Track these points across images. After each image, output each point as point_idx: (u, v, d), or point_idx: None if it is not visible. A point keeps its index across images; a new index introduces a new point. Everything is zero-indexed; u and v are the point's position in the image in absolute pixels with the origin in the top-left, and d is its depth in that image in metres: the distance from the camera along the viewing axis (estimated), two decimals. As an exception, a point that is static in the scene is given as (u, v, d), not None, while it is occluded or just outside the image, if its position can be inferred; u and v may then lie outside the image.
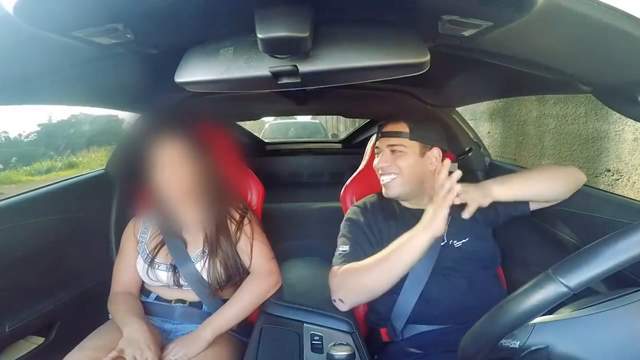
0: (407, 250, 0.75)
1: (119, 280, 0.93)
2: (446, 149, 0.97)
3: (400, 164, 0.90)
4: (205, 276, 0.90)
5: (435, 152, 0.93)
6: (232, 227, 0.95)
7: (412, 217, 0.93)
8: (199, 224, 0.93)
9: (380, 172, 0.94)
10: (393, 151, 0.92)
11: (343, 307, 0.82)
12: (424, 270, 0.85)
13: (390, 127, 0.94)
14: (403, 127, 0.92)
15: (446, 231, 0.89)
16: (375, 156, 0.98)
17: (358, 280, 0.80)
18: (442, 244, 0.89)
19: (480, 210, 0.89)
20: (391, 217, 0.94)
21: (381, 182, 0.95)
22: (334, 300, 0.84)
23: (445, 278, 0.86)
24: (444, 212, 0.74)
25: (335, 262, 0.87)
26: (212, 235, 0.92)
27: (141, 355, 0.73)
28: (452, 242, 0.90)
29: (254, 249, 0.95)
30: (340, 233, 0.94)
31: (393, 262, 0.76)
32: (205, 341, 0.82)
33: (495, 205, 0.88)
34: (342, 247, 0.89)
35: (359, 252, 0.86)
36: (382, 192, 1.00)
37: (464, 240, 0.90)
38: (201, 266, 0.90)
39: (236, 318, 0.87)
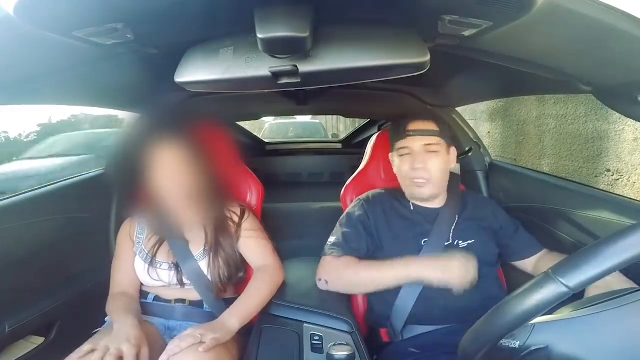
0: (399, 276, 0.81)
1: (116, 282, 0.93)
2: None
3: (436, 162, 0.89)
4: (207, 274, 0.90)
5: (453, 150, 0.96)
6: (232, 225, 0.95)
7: (418, 215, 0.94)
8: (199, 223, 0.93)
9: (415, 174, 0.89)
10: (428, 151, 0.89)
11: (326, 288, 0.87)
12: None
13: (419, 125, 0.90)
14: (433, 125, 0.91)
15: (452, 231, 0.91)
16: (399, 159, 0.93)
17: (345, 276, 0.86)
18: (447, 243, 0.89)
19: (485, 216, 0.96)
20: (391, 212, 0.95)
21: (415, 183, 0.91)
22: (319, 280, 0.88)
23: None
24: (467, 278, 0.77)
25: (324, 252, 0.92)
26: (212, 234, 0.92)
27: (116, 345, 0.68)
28: (458, 242, 0.90)
29: (257, 245, 0.95)
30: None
31: (383, 278, 0.82)
32: (230, 332, 0.76)
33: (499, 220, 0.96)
34: (330, 239, 0.94)
35: (342, 245, 0.90)
36: (387, 190, 1.01)
37: (470, 242, 0.90)
38: (205, 264, 0.91)
39: (257, 308, 0.85)
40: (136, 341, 0.71)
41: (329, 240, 0.94)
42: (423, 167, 0.88)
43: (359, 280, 0.86)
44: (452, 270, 0.77)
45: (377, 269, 0.84)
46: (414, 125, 0.91)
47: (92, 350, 0.69)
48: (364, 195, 1.02)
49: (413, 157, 0.90)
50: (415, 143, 0.90)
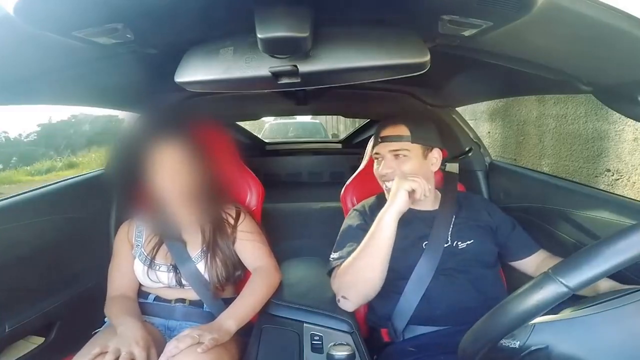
0: (381, 228, 0.79)
1: (114, 285, 0.92)
2: (442, 148, 0.98)
3: (405, 168, 0.89)
4: (205, 275, 0.90)
5: (436, 153, 0.94)
6: (229, 226, 0.95)
7: (415, 219, 0.93)
8: (197, 224, 0.93)
9: (383, 178, 0.93)
10: (396, 156, 0.90)
11: (349, 305, 0.83)
12: (427, 271, 0.85)
13: (390, 131, 0.92)
14: (404, 130, 0.91)
15: (450, 232, 0.90)
16: (375, 162, 0.96)
17: (352, 271, 0.81)
18: (446, 245, 0.88)
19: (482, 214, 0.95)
20: None
21: (384, 189, 0.94)
22: (339, 301, 0.84)
23: (447, 279, 0.86)
24: (406, 186, 0.80)
25: (329, 268, 0.90)
26: (210, 235, 0.92)
27: (127, 348, 0.69)
28: (457, 243, 0.90)
29: (253, 247, 0.95)
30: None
31: (375, 242, 0.79)
32: (228, 333, 0.77)
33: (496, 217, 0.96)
34: (332, 255, 0.91)
35: (345, 256, 0.87)
36: (378, 197, 1.00)
37: (468, 242, 0.90)
38: (202, 266, 0.91)
39: (253, 309, 0.84)
40: (145, 343, 0.72)
41: (332, 256, 0.90)
42: (390, 172, 0.90)
43: (365, 262, 0.80)
44: (404, 186, 0.80)
45: (367, 237, 0.81)
46: (386, 131, 0.93)
47: (102, 353, 0.69)
48: (359, 205, 1.02)
49: (382, 163, 0.93)
50: (384, 149, 0.92)
